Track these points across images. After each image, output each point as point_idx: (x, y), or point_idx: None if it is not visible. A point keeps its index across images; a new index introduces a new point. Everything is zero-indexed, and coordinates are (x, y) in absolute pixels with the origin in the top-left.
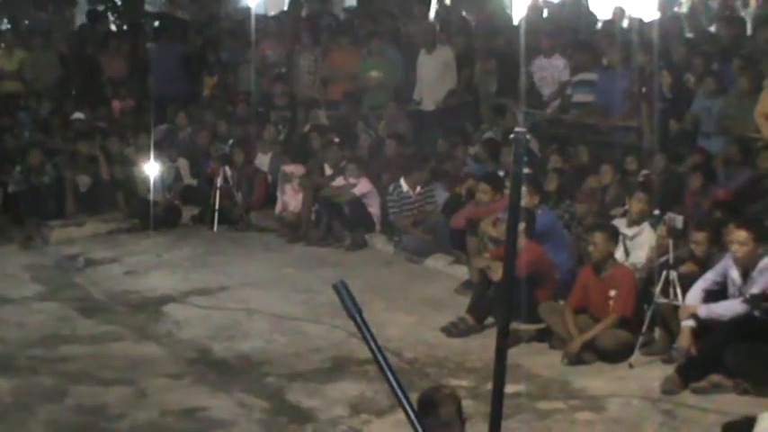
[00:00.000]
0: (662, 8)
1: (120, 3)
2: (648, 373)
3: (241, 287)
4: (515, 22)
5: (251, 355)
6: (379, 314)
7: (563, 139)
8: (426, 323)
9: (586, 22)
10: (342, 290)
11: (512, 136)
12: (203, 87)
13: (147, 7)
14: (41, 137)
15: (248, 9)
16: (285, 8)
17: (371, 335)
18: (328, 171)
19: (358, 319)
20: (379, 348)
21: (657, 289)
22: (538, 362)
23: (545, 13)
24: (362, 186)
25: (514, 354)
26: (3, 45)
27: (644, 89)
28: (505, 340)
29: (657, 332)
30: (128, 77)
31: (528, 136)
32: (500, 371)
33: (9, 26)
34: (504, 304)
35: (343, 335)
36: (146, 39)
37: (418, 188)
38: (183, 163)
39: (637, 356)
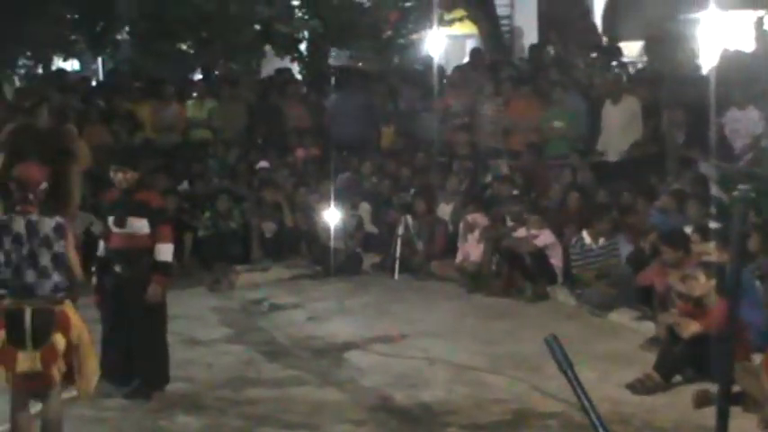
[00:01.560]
0: None
1: (306, 55)
2: None
3: (422, 336)
4: (704, 72)
5: (432, 404)
6: None
7: (757, 192)
8: (610, 379)
9: None
10: (553, 344)
11: (735, 193)
12: (381, 137)
13: (331, 61)
14: (229, 184)
15: (430, 59)
16: (466, 58)
17: (583, 390)
18: (510, 222)
19: (569, 374)
20: (592, 404)
21: None
22: (731, 426)
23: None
24: (545, 237)
25: (706, 415)
26: (195, 95)
27: None
28: (727, 402)
29: None
30: (311, 127)
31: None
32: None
33: (201, 76)
34: (723, 364)
35: (524, 387)
36: (329, 90)
37: (601, 240)
38: (364, 211)
39: None
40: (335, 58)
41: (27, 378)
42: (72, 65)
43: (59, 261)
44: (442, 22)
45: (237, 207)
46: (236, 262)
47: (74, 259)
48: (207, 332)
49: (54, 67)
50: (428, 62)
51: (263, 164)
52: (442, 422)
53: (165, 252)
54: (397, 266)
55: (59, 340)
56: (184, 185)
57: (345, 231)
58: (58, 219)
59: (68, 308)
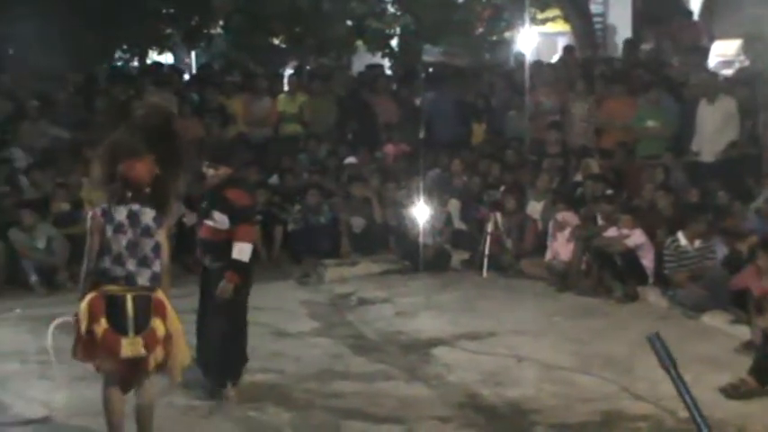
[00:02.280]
0: None
1: (397, 51)
2: None
3: (510, 333)
4: None
5: (520, 402)
6: (651, 370)
7: None
8: (702, 382)
9: None
10: (656, 342)
11: None
12: (472, 134)
13: (424, 56)
14: (319, 178)
15: (522, 56)
16: (558, 55)
17: (687, 388)
18: (601, 221)
19: (672, 372)
20: (695, 403)
21: None
22: None
23: None
24: (636, 237)
25: None
26: (286, 89)
27: None
28: None
29: None
30: (401, 123)
31: None
32: None
33: (293, 71)
34: None
35: (614, 388)
36: (419, 86)
37: (697, 242)
38: (454, 208)
39: None
40: (429, 53)
41: (129, 364)
42: (166, 58)
43: (158, 251)
44: (534, 20)
45: (327, 202)
46: (324, 256)
47: (166, 250)
48: (296, 325)
49: (149, 61)
50: (519, 59)
51: (352, 159)
52: (529, 420)
53: (240, 251)
54: (485, 264)
55: (159, 326)
56: (275, 179)
57: (434, 227)
58: (159, 212)
59: (162, 296)
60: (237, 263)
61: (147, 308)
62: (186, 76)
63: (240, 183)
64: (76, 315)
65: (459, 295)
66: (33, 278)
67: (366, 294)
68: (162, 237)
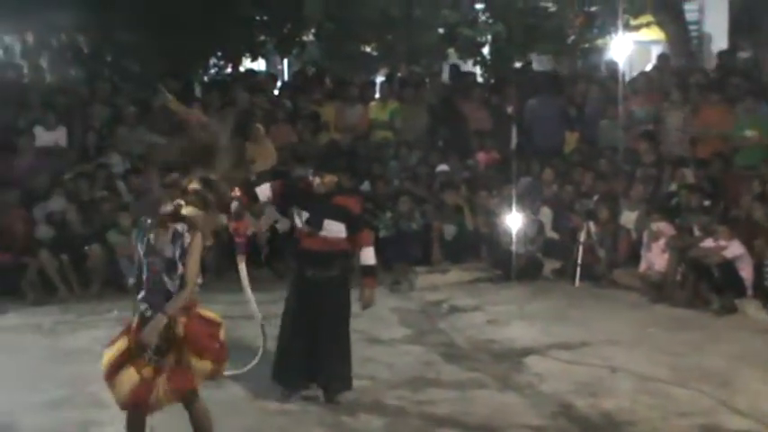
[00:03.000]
0: None
1: (489, 58)
2: None
3: (603, 344)
4: None
5: (614, 413)
6: (750, 384)
7: None
8: None
9: None
10: None
11: None
12: (565, 142)
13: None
14: (410, 185)
15: (614, 64)
16: (653, 63)
17: None
18: (697, 231)
19: None
20: None
21: None
22: None
23: None
24: (734, 249)
25: None
26: (378, 96)
27: None
28: None
29: None
30: (492, 130)
31: None
32: None
33: (384, 78)
34: None
35: (711, 403)
36: (512, 93)
37: None
38: (545, 216)
39: None
40: (536, 61)
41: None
42: (258, 65)
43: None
44: (628, 27)
45: (418, 208)
46: (415, 263)
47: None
48: (387, 332)
49: (243, 68)
50: (612, 67)
51: (443, 167)
52: None
53: (370, 256)
54: (578, 273)
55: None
56: (366, 186)
57: (526, 236)
58: (177, 226)
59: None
60: (371, 268)
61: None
62: (278, 83)
63: (349, 190)
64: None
65: (550, 304)
66: (130, 280)
67: (457, 302)
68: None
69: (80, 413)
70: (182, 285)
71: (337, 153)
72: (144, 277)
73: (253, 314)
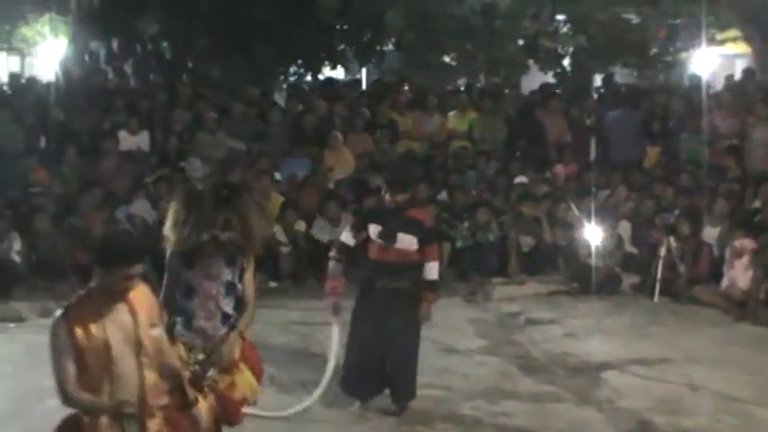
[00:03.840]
0: None
1: (569, 70)
2: None
3: (683, 361)
4: None
5: None
6: None
7: None
8: None
9: None
10: None
11: None
12: (645, 155)
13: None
14: (488, 196)
15: (698, 78)
16: (737, 77)
17: None
18: None
19: None
20: None
21: None
22: None
23: None
24: None
25: None
26: (456, 106)
27: None
28: None
29: None
30: (572, 143)
31: None
32: None
33: (463, 89)
34: None
35: None
36: (593, 105)
37: None
38: (624, 230)
39: None
40: (620, 74)
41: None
42: (336, 74)
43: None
44: (712, 41)
45: (496, 220)
46: (492, 274)
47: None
48: (463, 342)
49: (323, 76)
50: (695, 81)
51: (522, 179)
52: None
53: (434, 271)
54: (657, 288)
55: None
56: (443, 196)
57: (605, 249)
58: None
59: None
60: (433, 283)
61: None
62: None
63: (422, 202)
64: None
65: (629, 319)
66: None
67: (534, 314)
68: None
69: None
70: (241, 306)
71: (409, 170)
72: (192, 304)
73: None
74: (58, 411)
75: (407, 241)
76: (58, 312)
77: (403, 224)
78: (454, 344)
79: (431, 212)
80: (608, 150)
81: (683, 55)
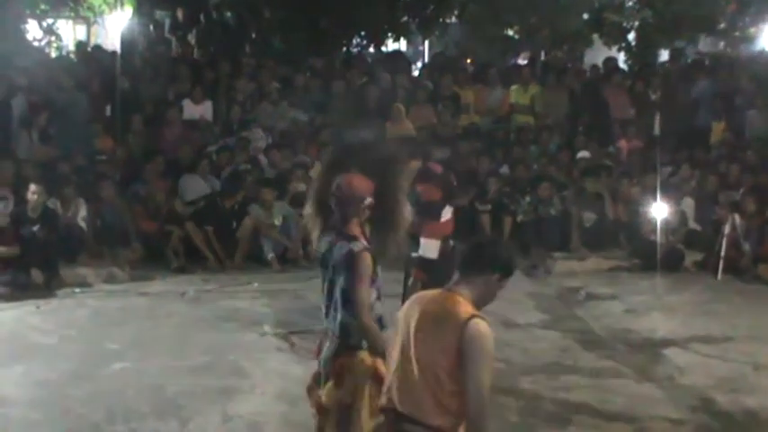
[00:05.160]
0: None
1: (633, 45)
2: None
3: (746, 339)
4: None
5: (758, 411)
6: None
7: None
8: None
9: None
10: None
11: None
12: (711, 131)
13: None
14: (550, 170)
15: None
16: None
17: None
18: None
19: None
20: None
21: None
22: None
23: None
24: None
25: None
26: (519, 80)
27: None
28: None
29: None
30: (635, 118)
31: None
32: None
33: (526, 62)
34: None
35: None
36: (656, 81)
37: None
38: (688, 206)
39: None
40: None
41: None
42: (399, 46)
43: (346, 298)
44: None
45: (558, 194)
46: (553, 249)
47: (361, 300)
48: (523, 316)
49: (386, 48)
50: (765, 56)
51: (584, 154)
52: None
53: (426, 248)
54: (720, 266)
55: (327, 392)
56: (505, 169)
57: (668, 226)
58: (353, 245)
59: (353, 359)
60: (422, 261)
61: (331, 364)
62: (419, 64)
63: (431, 176)
64: None
65: (691, 297)
66: (270, 254)
67: (594, 290)
68: (351, 283)
69: (221, 380)
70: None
71: (474, 135)
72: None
73: None
74: (122, 374)
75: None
76: None
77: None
78: (514, 317)
79: (437, 187)
80: (672, 124)
81: (752, 30)
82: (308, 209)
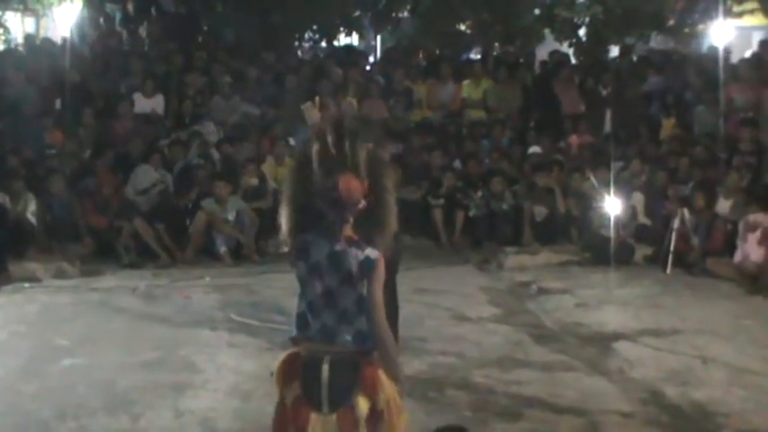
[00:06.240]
0: None
1: (584, 41)
2: None
3: (695, 333)
4: None
5: (706, 404)
6: None
7: None
8: None
9: None
10: None
11: None
12: (660, 128)
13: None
14: (503, 165)
15: (715, 50)
16: (753, 50)
17: None
18: None
19: None
20: None
21: None
22: None
23: None
24: None
25: None
26: (472, 75)
27: None
28: None
29: None
30: (585, 113)
31: None
32: None
33: (478, 57)
34: None
35: None
36: (606, 77)
37: None
38: (638, 201)
39: None
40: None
41: None
42: (351, 40)
43: (363, 306)
44: (730, 14)
45: (510, 189)
46: (505, 243)
47: (382, 305)
48: (476, 310)
49: (338, 43)
50: (712, 53)
51: (536, 149)
52: (716, 423)
53: None
54: (670, 260)
55: (362, 404)
56: (457, 164)
57: (618, 220)
58: (369, 252)
59: (378, 369)
60: None
61: (351, 378)
62: (371, 59)
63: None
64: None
65: (641, 290)
66: (222, 248)
67: (546, 284)
68: (372, 289)
69: (173, 376)
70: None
71: (426, 130)
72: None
73: None
74: (72, 370)
75: None
76: None
77: None
78: (467, 312)
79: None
80: (621, 121)
81: (700, 27)
82: (287, 205)
